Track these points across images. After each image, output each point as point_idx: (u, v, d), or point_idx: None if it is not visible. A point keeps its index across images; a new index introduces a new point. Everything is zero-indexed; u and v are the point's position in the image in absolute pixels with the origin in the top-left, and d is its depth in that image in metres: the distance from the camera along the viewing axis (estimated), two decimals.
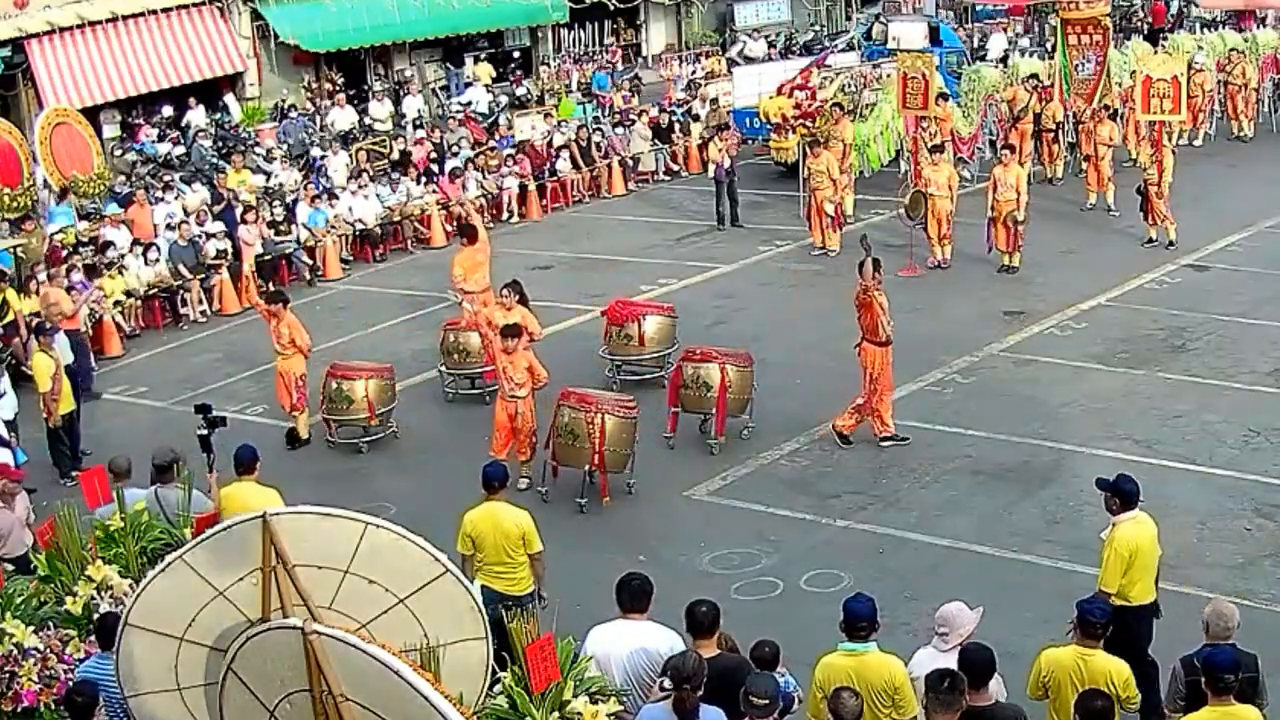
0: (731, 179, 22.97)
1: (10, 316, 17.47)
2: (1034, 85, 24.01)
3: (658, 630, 7.85)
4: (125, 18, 26.52)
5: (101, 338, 18.81)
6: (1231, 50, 26.80)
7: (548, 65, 32.31)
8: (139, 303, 20.19)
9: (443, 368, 16.41)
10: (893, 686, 7.71)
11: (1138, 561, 9.18)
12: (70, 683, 7.77)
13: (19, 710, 7.95)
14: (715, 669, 7.40)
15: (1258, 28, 29.43)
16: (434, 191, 24.03)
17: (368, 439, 15.31)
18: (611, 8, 33.55)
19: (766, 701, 6.91)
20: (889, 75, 24.13)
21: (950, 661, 7.53)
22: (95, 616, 8.24)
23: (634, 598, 7.94)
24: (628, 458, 13.51)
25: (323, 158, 25.36)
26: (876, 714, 7.65)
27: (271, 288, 21.24)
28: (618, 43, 34.70)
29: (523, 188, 25.04)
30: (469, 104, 29.25)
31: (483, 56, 31.78)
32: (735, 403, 14.47)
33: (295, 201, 22.94)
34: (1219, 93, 26.66)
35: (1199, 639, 7.96)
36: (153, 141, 25.70)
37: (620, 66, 33.38)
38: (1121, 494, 9.31)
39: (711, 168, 23.03)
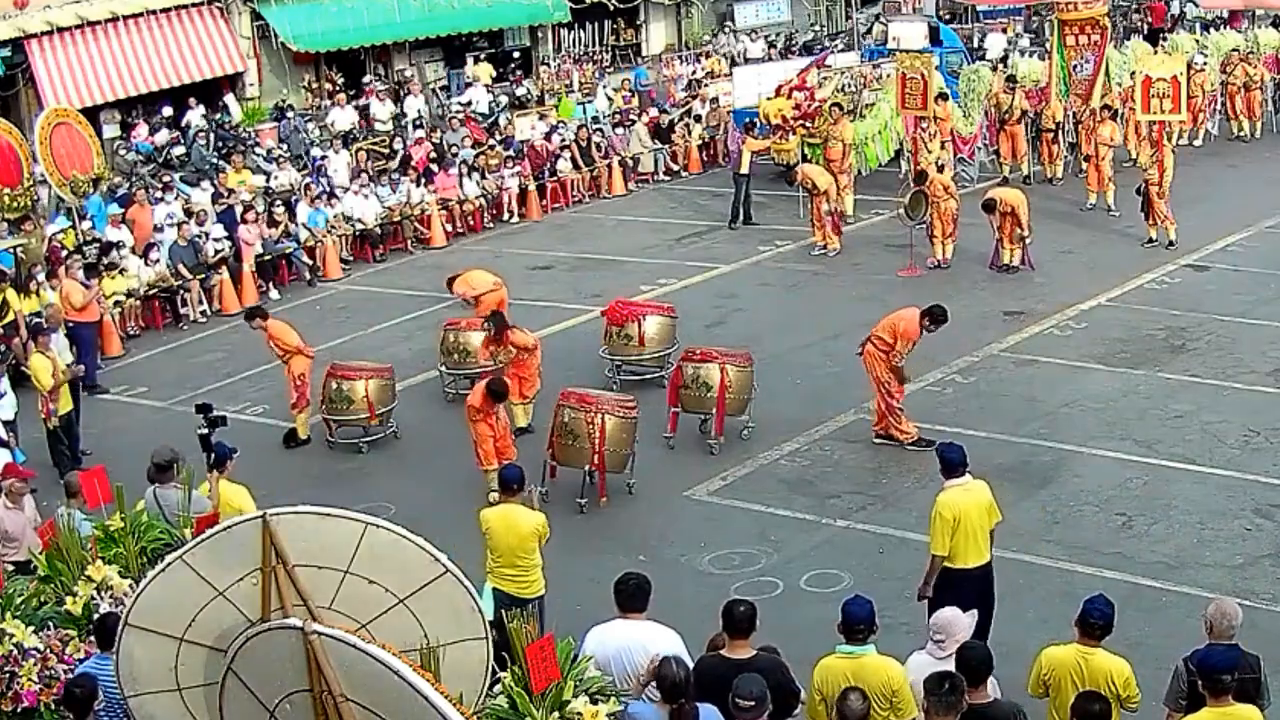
0: (749, 177, 23.03)
1: (10, 316, 17.49)
2: (1011, 85, 24.06)
3: (657, 629, 7.85)
4: (125, 18, 26.49)
5: (102, 338, 18.82)
6: (1232, 50, 26.82)
7: (548, 65, 32.28)
8: (139, 303, 20.20)
9: (443, 368, 16.41)
10: (890, 689, 7.70)
11: (963, 526, 9.59)
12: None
13: (19, 710, 7.95)
14: (752, 669, 7.41)
15: (1252, 26, 29.42)
16: (434, 191, 24.04)
17: (368, 439, 15.31)
18: (611, 8, 33.53)
19: (753, 703, 6.90)
20: (888, 75, 24.14)
21: (947, 666, 7.52)
22: (95, 617, 8.23)
23: (631, 597, 7.94)
24: (627, 458, 13.51)
25: (323, 158, 25.37)
26: (875, 716, 7.61)
27: (270, 289, 21.37)
28: (617, 42, 34.70)
29: (523, 188, 25.06)
30: (469, 104, 29.24)
31: (482, 57, 31.76)
32: (735, 403, 14.47)
33: (295, 201, 22.96)
34: (1220, 93, 26.70)
35: (1199, 638, 7.95)
36: (146, 139, 25.67)
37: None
38: (944, 462, 9.81)
39: (746, 163, 23.02)
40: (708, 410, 14.40)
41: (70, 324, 17.26)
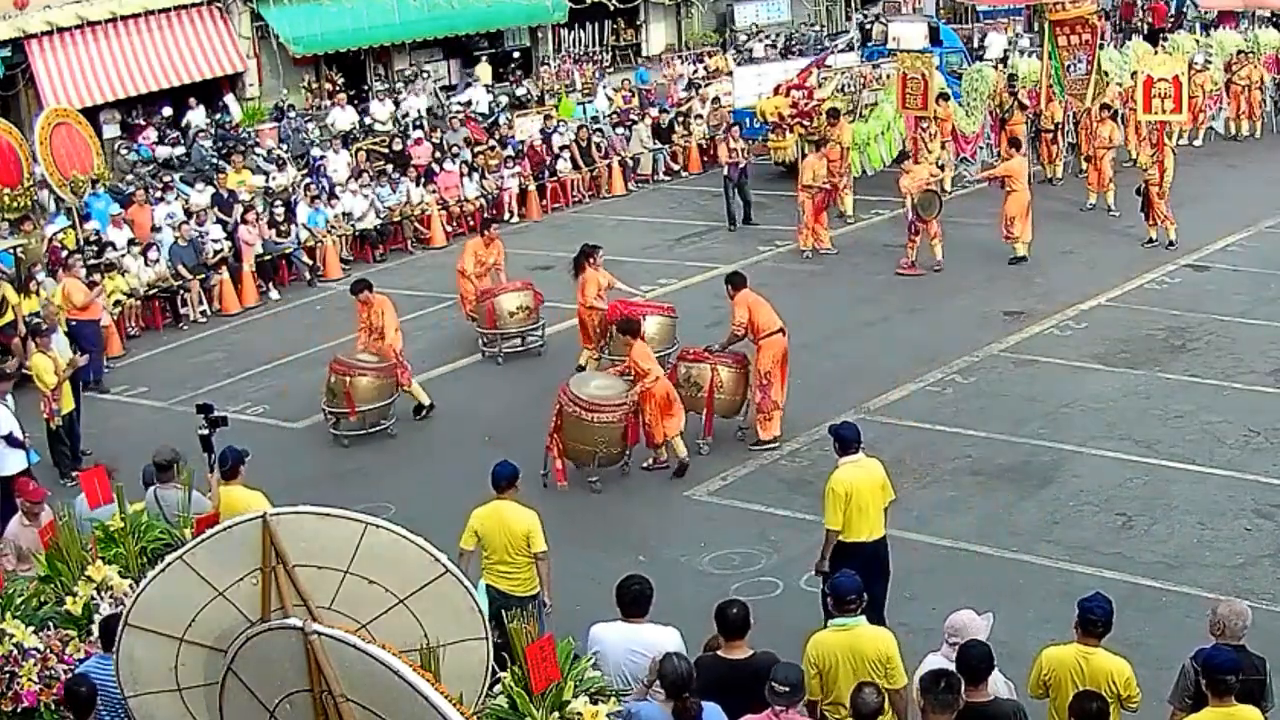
0: (743, 179, 22.90)
1: (10, 315, 17.49)
2: (1011, 86, 24.09)
3: (658, 631, 7.87)
4: (125, 18, 26.49)
5: (105, 337, 18.84)
6: (1239, 51, 26.83)
7: (548, 65, 32.28)
8: (139, 303, 20.21)
9: (486, 334, 17.53)
10: (885, 657, 7.89)
11: (855, 501, 9.93)
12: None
13: (19, 710, 7.95)
14: (749, 669, 7.50)
15: (1252, 26, 29.45)
16: (434, 191, 24.05)
17: (352, 432, 15.39)
18: (611, 8, 33.53)
19: (788, 689, 6.99)
20: (889, 75, 24.14)
21: None
22: (96, 617, 8.23)
23: (633, 603, 7.97)
24: (621, 455, 13.73)
25: (322, 158, 25.37)
26: None
27: (271, 289, 21.41)
28: (617, 42, 34.71)
29: (523, 188, 25.06)
30: (469, 104, 29.25)
31: (483, 57, 31.77)
32: (727, 404, 14.48)
33: (295, 202, 22.96)
34: (1225, 92, 26.72)
35: (1199, 638, 7.95)
36: (149, 145, 25.67)
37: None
38: (838, 439, 10.13)
39: (726, 166, 23.06)
40: (701, 409, 14.43)
41: (72, 322, 17.34)
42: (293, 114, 27.32)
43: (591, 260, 16.42)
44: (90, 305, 17.81)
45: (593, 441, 13.58)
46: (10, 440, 13.74)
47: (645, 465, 14.03)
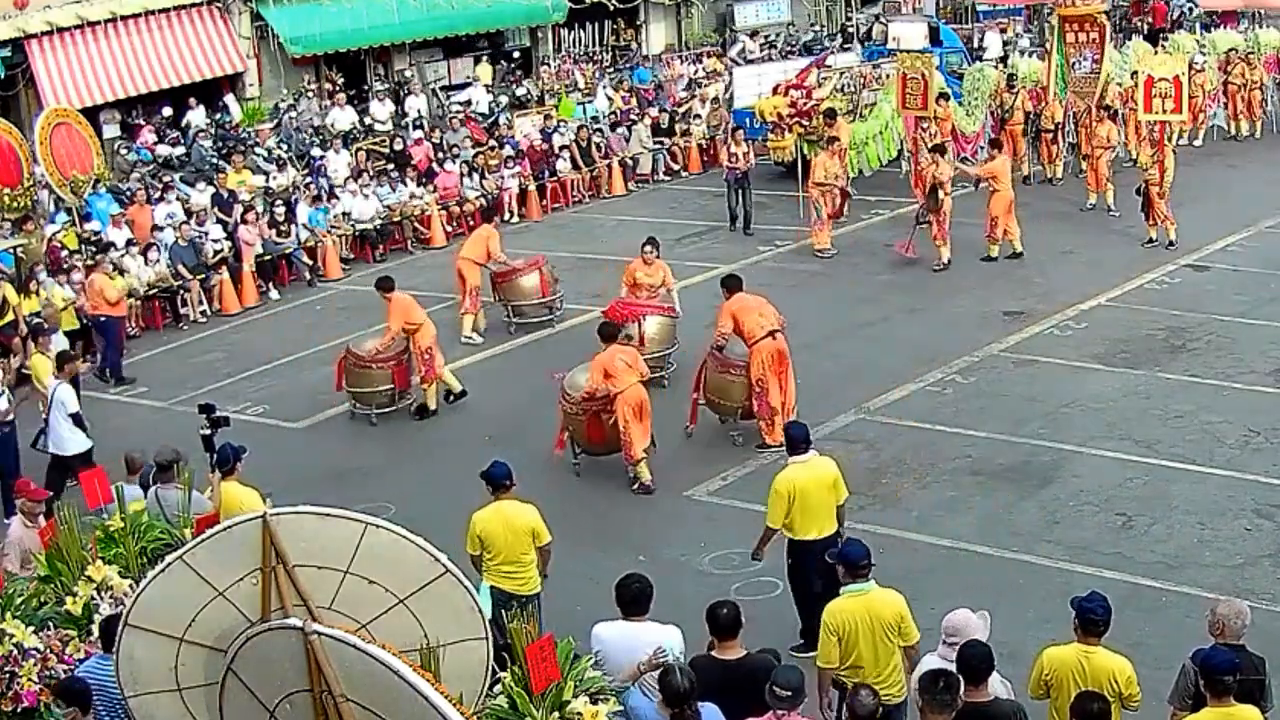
0: (745, 184, 22.63)
1: (10, 316, 17.50)
2: (1012, 85, 24.15)
3: (660, 631, 7.88)
4: (125, 18, 26.46)
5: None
6: (1231, 50, 26.84)
7: (548, 65, 32.27)
8: (139, 303, 20.21)
9: (543, 303, 18.41)
10: (900, 616, 8.26)
11: (799, 501, 10.13)
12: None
13: (19, 710, 7.96)
14: (744, 670, 7.51)
15: (1252, 26, 29.46)
16: (434, 191, 24.03)
17: (353, 411, 15.79)
18: (611, 8, 33.51)
19: (790, 693, 7.00)
20: (889, 75, 24.15)
21: None
22: (96, 617, 8.23)
23: (634, 602, 7.96)
24: (593, 447, 13.97)
25: (322, 158, 25.36)
26: (888, 645, 8.22)
27: (271, 289, 21.42)
28: (617, 42, 34.68)
29: (523, 188, 25.06)
30: (468, 103, 29.24)
31: (483, 57, 31.76)
32: (724, 408, 14.49)
33: (295, 201, 22.96)
34: (1222, 92, 26.74)
35: (1199, 638, 7.95)
36: (148, 147, 25.66)
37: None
38: (787, 439, 10.47)
39: (725, 170, 22.98)
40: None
41: (101, 318, 17.70)
42: (293, 114, 27.30)
43: (643, 253, 16.85)
44: (120, 301, 18.03)
45: (567, 426, 13.97)
46: (77, 420, 14.06)
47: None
